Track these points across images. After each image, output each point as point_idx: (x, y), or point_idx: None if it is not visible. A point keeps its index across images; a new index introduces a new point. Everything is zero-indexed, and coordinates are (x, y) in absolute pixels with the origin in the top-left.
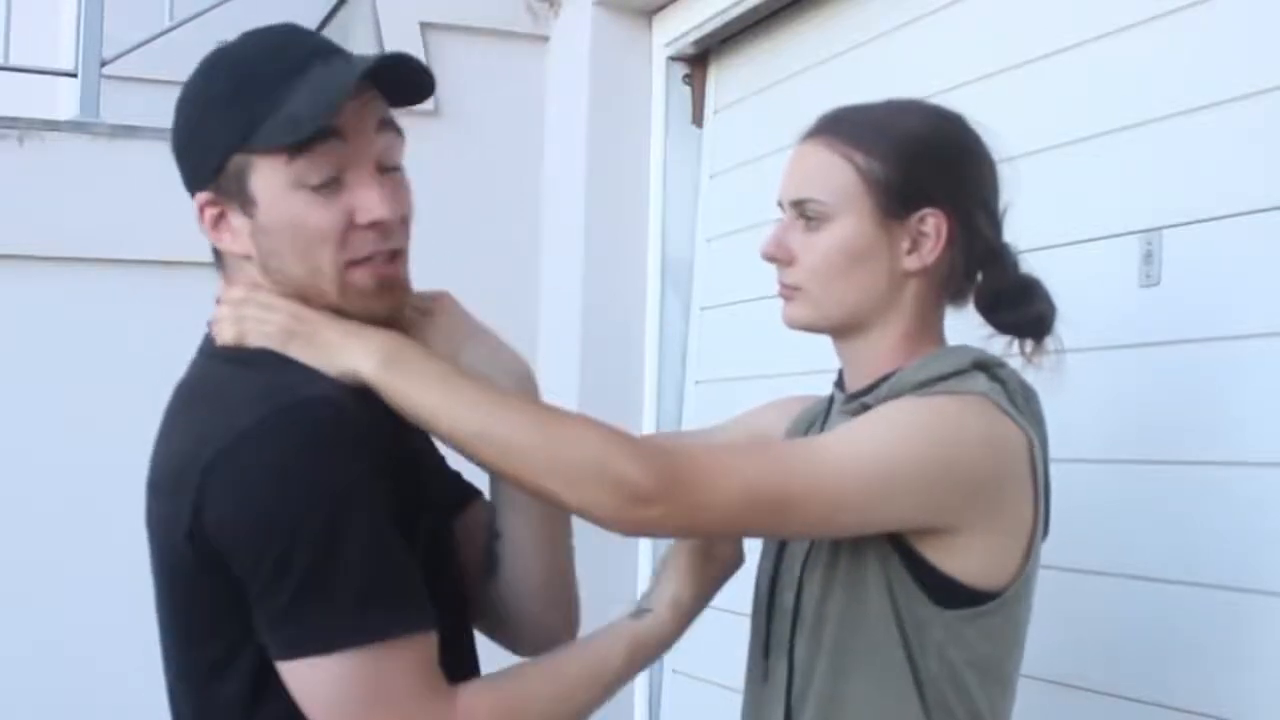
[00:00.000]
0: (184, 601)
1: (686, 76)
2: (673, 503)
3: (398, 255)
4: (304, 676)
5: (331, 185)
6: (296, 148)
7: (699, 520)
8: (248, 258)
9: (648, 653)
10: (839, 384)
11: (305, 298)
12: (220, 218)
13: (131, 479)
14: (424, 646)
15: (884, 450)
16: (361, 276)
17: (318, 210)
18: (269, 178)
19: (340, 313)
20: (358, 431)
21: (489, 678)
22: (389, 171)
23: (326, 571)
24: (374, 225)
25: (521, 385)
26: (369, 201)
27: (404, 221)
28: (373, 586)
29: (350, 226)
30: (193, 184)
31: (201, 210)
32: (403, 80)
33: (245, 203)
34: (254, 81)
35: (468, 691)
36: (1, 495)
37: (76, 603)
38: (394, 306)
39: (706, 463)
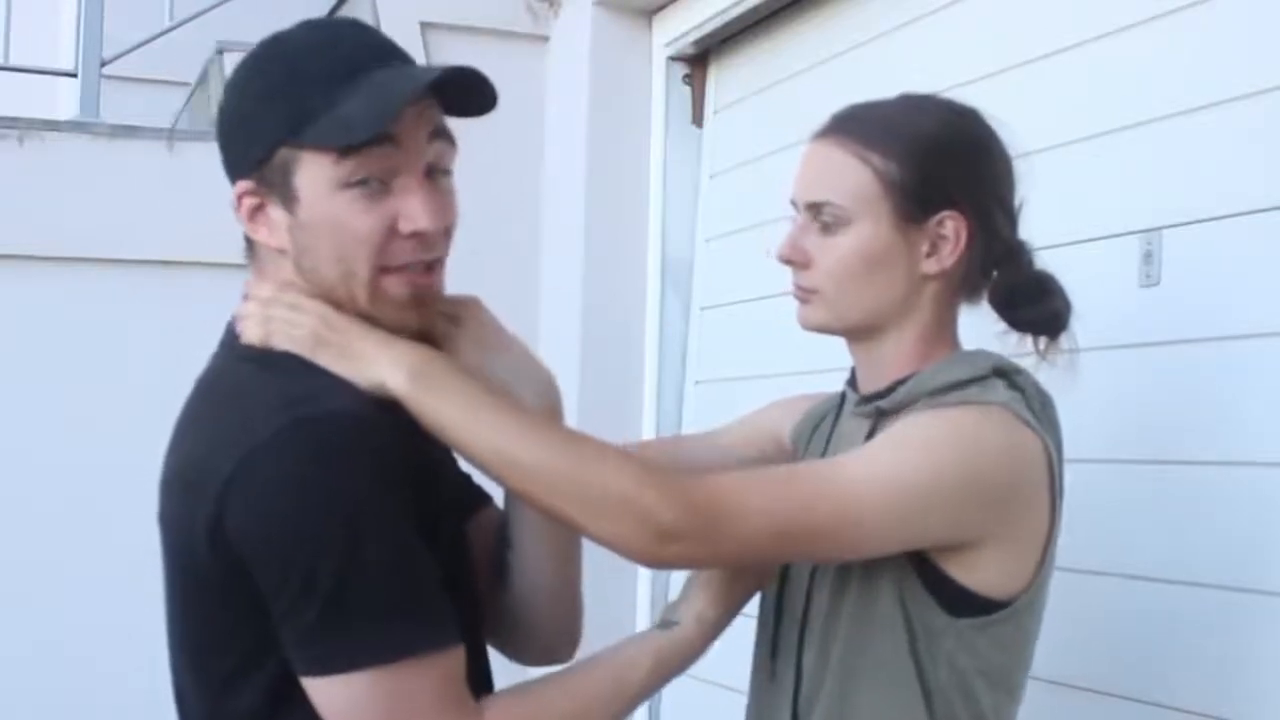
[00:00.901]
0: (200, 608)
1: (686, 76)
2: (698, 539)
3: (435, 266)
4: (330, 693)
5: (377, 189)
6: (348, 149)
7: (723, 555)
8: (282, 252)
9: (672, 667)
10: (851, 383)
11: (334, 300)
12: (258, 209)
13: (131, 479)
14: (450, 662)
15: (907, 472)
16: (395, 285)
17: (360, 213)
18: (315, 175)
19: (368, 319)
20: (379, 444)
21: (510, 691)
22: (437, 177)
23: (352, 588)
24: (415, 235)
25: (546, 397)
26: (413, 210)
27: (446, 232)
28: (398, 602)
29: (391, 233)
30: (234, 171)
31: (240, 199)
32: (465, 93)
33: (287, 197)
34: (310, 75)
35: (492, 708)
36: (1, 495)
37: (76, 603)
38: (423, 319)
39: (731, 497)
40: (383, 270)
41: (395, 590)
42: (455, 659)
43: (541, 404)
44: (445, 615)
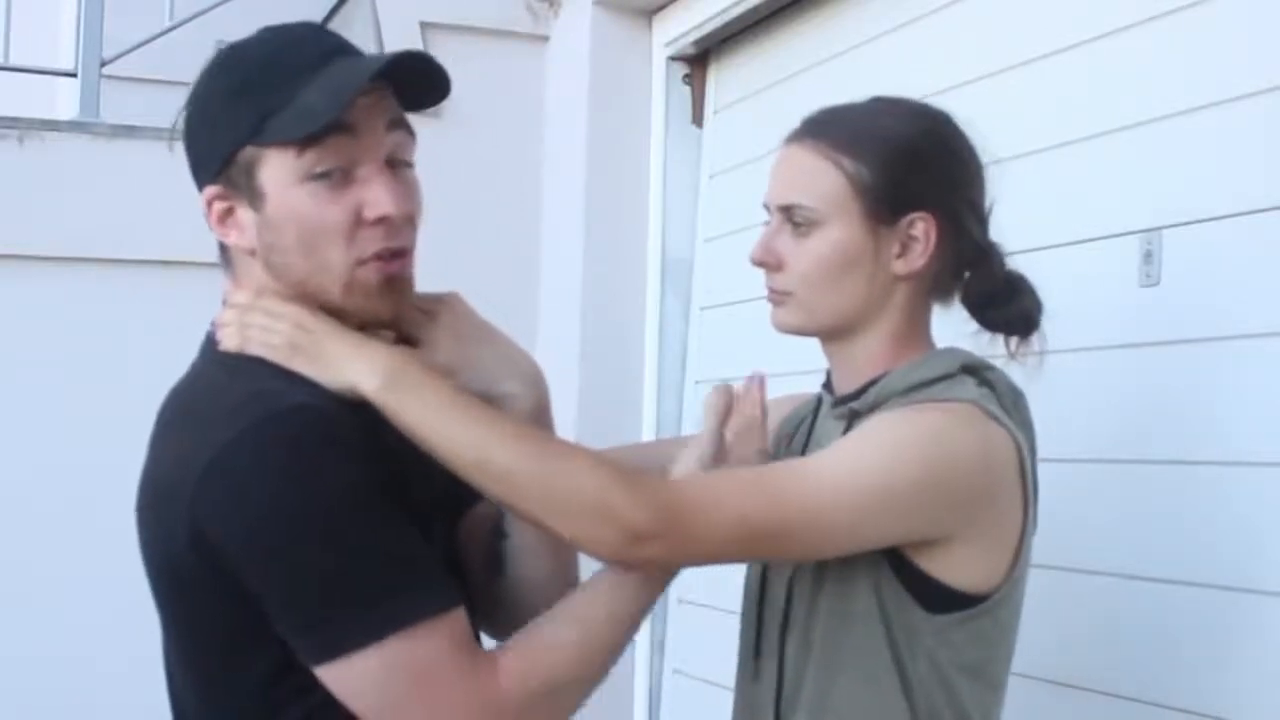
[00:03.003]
0: (190, 612)
1: (686, 76)
2: (669, 541)
3: (403, 254)
4: (346, 677)
5: (340, 180)
6: (307, 141)
7: (695, 555)
8: (252, 254)
9: (657, 579)
10: (827, 385)
11: (306, 294)
12: (228, 213)
13: (131, 479)
14: (454, 623)
15: (876, 472)
16: (366, 273)
17: (325, 205)
18: (278, 170)
19: (340, 312)
20: (342, 435)
21: (515, 638)
22: (399, 168)
23: (341, 574)
24: (381, 221)
25: (531, 387)
26: (377, 197)
27: (411, 220)
28: (391, 576)
29: (358, 222)
30: (201, 177)
31: (209, 205)
32: (418, 81)
33: (253, 196)
34: (267, 76)
35: (503, 656)
36: (1, 495)
37: (76, 603)
38: (396, 307)
39: (699, 498)
40: (355, 262)
41: (386, 566)
42: (460, 620)
43: (527, 394)
44: (440, 579)
